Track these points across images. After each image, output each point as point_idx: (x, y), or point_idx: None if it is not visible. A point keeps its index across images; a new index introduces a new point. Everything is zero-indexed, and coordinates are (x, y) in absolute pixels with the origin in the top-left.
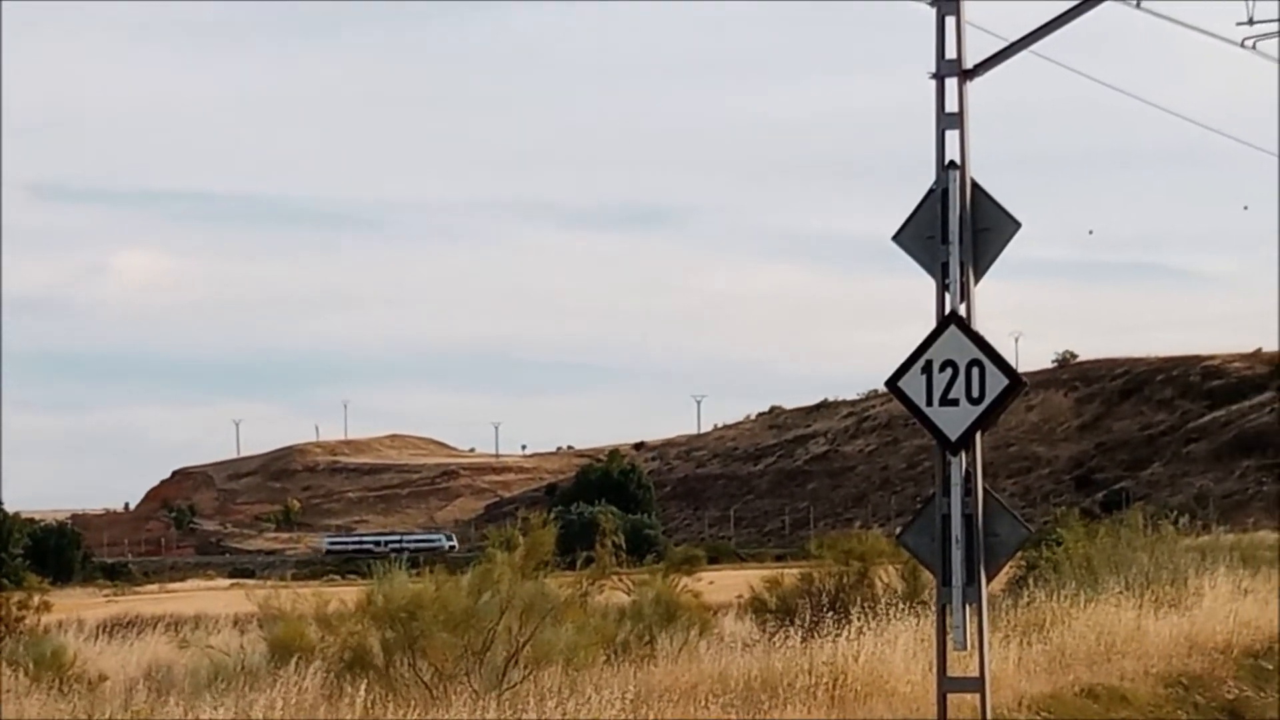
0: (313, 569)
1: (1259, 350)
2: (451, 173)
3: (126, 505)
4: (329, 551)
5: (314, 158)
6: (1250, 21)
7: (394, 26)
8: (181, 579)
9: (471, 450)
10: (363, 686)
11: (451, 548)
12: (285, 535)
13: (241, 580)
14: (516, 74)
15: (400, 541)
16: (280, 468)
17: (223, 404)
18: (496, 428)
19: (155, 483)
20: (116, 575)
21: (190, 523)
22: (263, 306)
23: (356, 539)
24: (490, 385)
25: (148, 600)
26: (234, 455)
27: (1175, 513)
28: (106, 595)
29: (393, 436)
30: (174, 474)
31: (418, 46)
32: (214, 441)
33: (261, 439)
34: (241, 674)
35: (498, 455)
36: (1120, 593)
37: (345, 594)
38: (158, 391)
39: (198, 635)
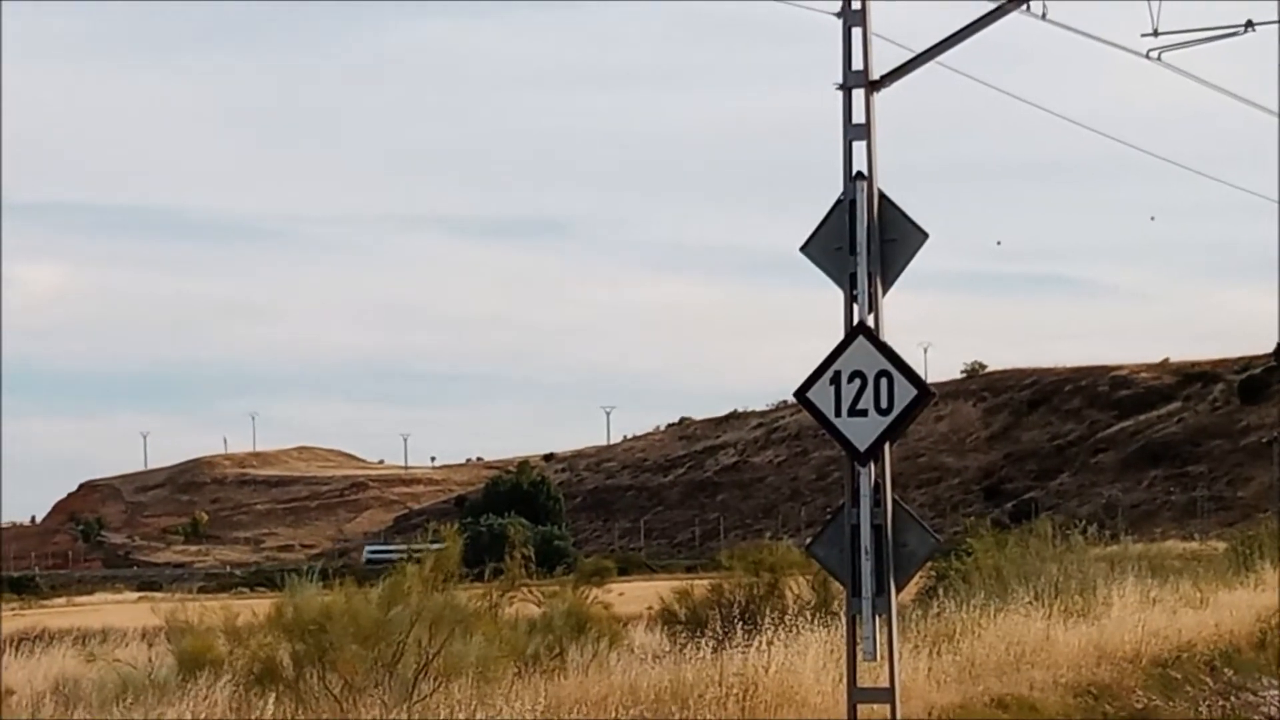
0: (221, 581)
1: (1166, 360)
2: (359, 185)
3: (33, 518)
4: (369, 562)
5: (219, 170)
6: (1155, 33)
7: (290, 40)
8: (89, 592)
9: (380, 462)
10: (272, 699)
11: None
12: (194, 548)
13: (149, 593)
14: (414, 86)
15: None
16: (188, 480)
17: (130, 416)
18: (405, 439)
19: (62, 495)
20: (23, 589)
21: (98, 536)
22: (170, 319)
23: (402, 549)
24: (399, 397)
25: (55, 614)
26: (142, 468)
27: (1084, 523)
28: (13, 609)
29: (301, 449)
30: (81, 487)
31: (315, 59)
32: (121, 454)
33: (169, 451)
34: (150, 687)
35: (406, 467)
36: (1029, 603)
37: (256, 606)
38: (65, 404)
39: (105, 648)
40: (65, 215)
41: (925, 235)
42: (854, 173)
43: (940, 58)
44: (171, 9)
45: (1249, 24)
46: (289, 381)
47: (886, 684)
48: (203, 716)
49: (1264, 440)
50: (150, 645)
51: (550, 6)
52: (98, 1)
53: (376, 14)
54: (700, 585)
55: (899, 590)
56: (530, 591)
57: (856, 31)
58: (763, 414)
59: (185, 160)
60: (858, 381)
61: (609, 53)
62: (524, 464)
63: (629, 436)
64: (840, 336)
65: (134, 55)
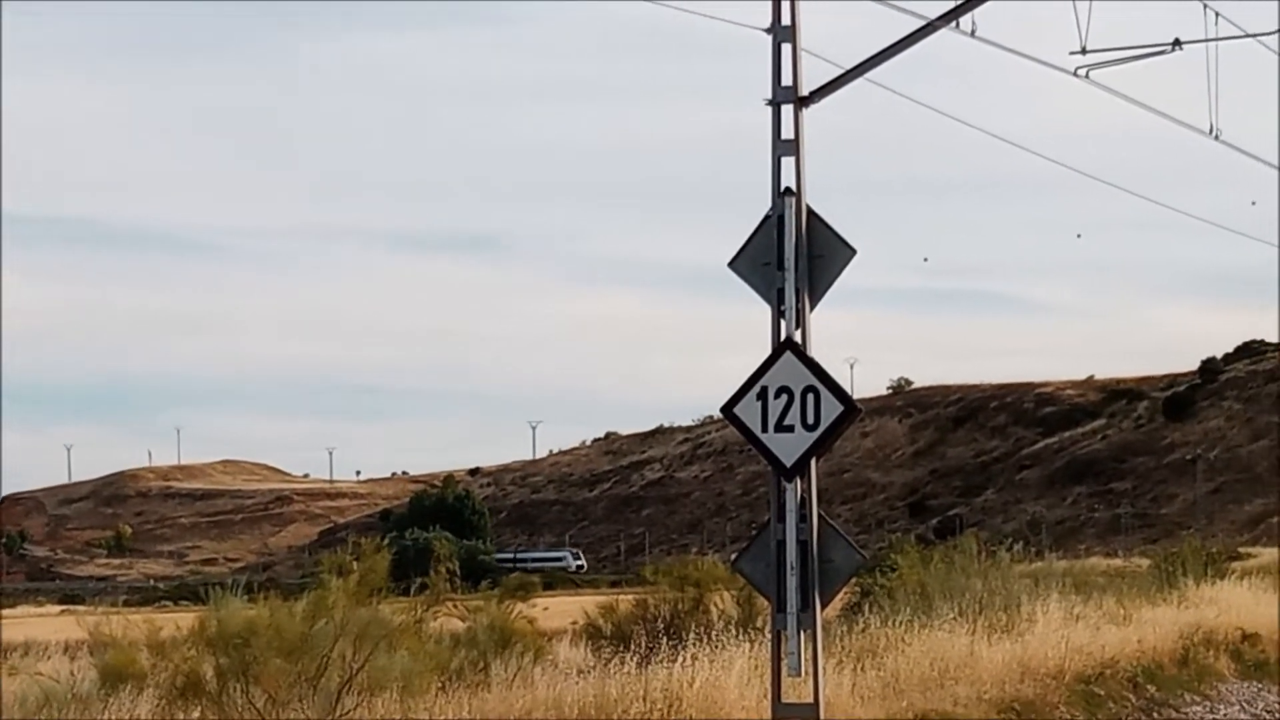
0: (145, 594)
1: (1091, 377)
2: (282, 198)
3: None
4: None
5: (144, 182)
6: (1083, 51)
7: (222, 52)
8: (11, 605)
9: (305, 476)
10: (195, 713)
11: (580, 567)
12: (117, 561)
13: (72, 606)
14: (348, 99)
15: (514, 559)
16: (112, 493)
17: (54, 429)
18: (331, 453)
19: None
20: None
21: (20, 549)
22: (94, 331)
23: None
24: (325, 411)
25: None
26: (66, 481)
27: (1008, 539)
28: None
29: (226, 462)
30: (4, 500)
31: (249, 72)
32: (45, 467)
33: (94, 464)
34: (72, 701)
35: (332, 481)
36: (954, 619)
37: (179, 620)
38: None
39: (27, 662)
40: None
41: (853, 251)
42: (782, 188)
43: (871, 74)
44: (94, 20)
45: (1176, 43)
46: (215, 394)
47: (811, 699)
48: None
49: (1188, 458)
50: (73, 659)
51: (485, 21)
52: (18, 12)
53: (311, 27)
54: (625, 600)
55: (824, 606)
56: (455, 606)
57: (786, 48)
58: (689, 429)
59: (114, 172)
60: (784, 397)
61: (543, 67)
62: (449, 478)
63: (555, 451)
64: (768, 352)
65: (60, 66)
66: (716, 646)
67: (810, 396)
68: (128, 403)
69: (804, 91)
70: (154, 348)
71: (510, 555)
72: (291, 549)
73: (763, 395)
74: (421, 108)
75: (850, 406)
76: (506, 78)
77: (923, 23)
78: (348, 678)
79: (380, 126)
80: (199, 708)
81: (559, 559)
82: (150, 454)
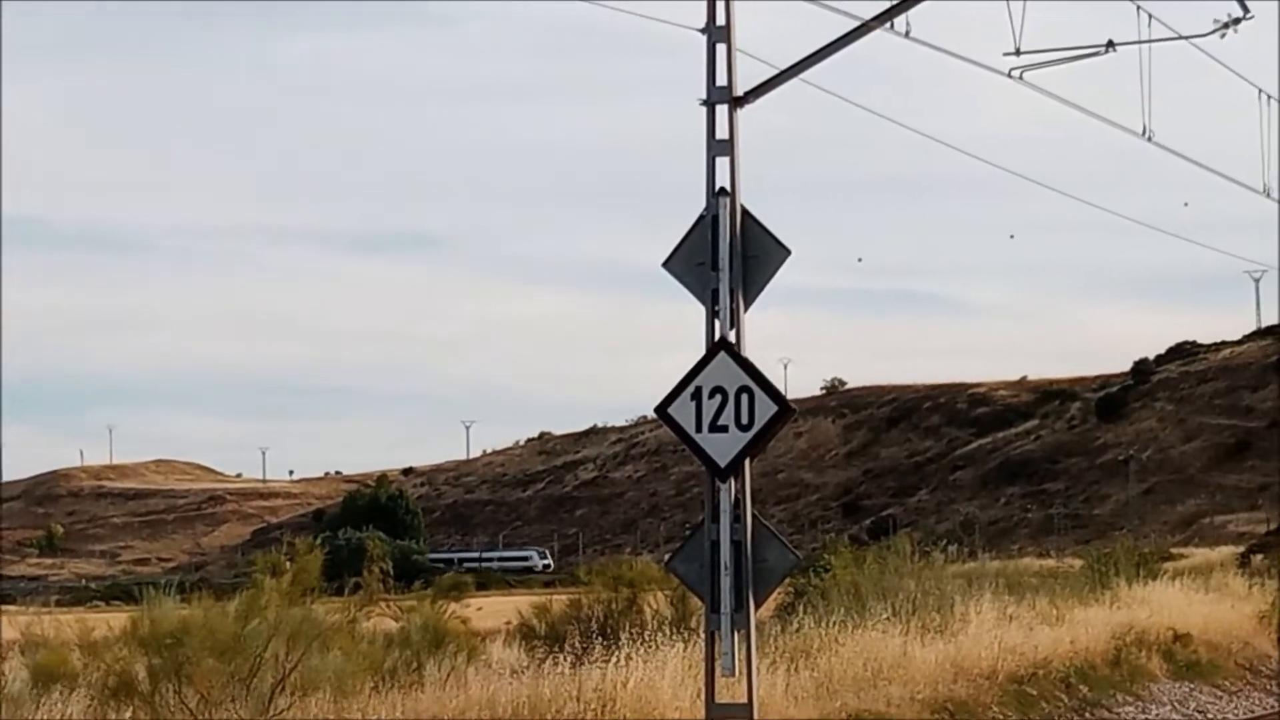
0: (76, 594)
1: (1024, 378)
2: (216, 196)
3: None
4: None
5: (78, 179)
6: (1017, 52)
7: (163, 50)
8: None
9: (238, 475)
10: (128, 713)
11: (546, 566)
12: (49, 561)
13: (3, 606)
14: (280, 98)
15: (479, 558)
16: (44, 493)
17: None
18: (264, 453)
19: None
20: None
21: None
22: (26, 329)
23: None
24: (257, 410)
25: None
26: None
27: (942, 539)
28: None
29: (159, 461)
30: None
31: (184, 70)
32: None
33: (25, 463)
34: (3, 701)
35: (265, 481)
36: (887, 619)
37: (112, 620)
38: None
39: None
40: None
41: (788, 251)
42: (717, 188)
43: (806, 75)
44: (39, 15)
45: (1110, 44)
46: (148, 394)
47: (745, 699)
48: None
49: (1120, 458)
50: (3, 659)
51: (420, 21)
52: None
53: (250, 27)
54: (559, 600)
55: (758, 606)
56: (388, 606)
57: (721, 48)
58: (623, 429)
59: (51, 170)
60: (719, 397)
61: (477, 66)
62: (382, 478)
63: (488, 451)
64: (702, 352)
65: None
66: (650, 647)
67: (744, 397)
68: (59, 402)
69: (739, 92)
70: (85, 347)
71: (475, 554)
72: (224, 549)
73: (697, 395)
74: (356, 108)
75: (784, 407)
76: (441, 77)
77: (858, 23)
78: (281, 678)
79: (314, 126)
80: (131, 708)
81: (525, 558)
82: (82, 453)
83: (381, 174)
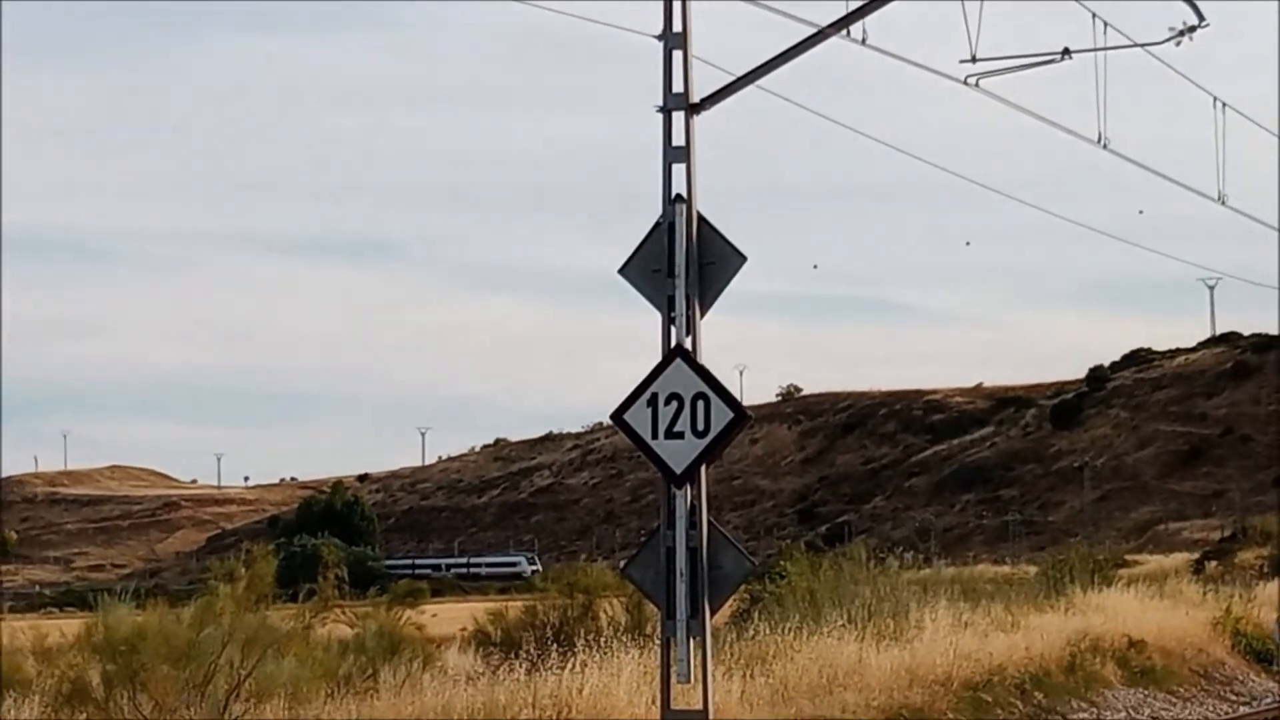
0: (30, 601)
1: (980, 385)
2: (170, 202)
3: None
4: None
5: (31, 186)
6: (973, 59)
7: (120, 55)
8: None
9: (194, 482)
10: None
11: (535, 572)
12: (3, 567)
13: None
14: (233, 103)
15: (467, 565)
16: None
17: None
18: (219, 459)
19: None
20: None
21: None
22: None
23: (406, 563)
24: (212, 417)
25: None
26: None
27: (897, 546)
28: None
29: (113, 468)
30: None
31: (145, 76)
32: None
33: None
34: None
35: (220, 487)
36: (843, 625)
37: (66, 626)
38: None
39: None
40: None
41: (743, 258)
42: (673, 195)
43: (763, 82)
44: None
45: (1066, 52)
46: (103, 400)
47: (700, 706)
48: None
49: (1075, 465)
50: None
51: (380, 27)
52: None
53: (208, 32)
54: (514, 607)
55: (714, 613)
56: (343, 612)
57: (678, 54)
58: (578, 436)
59: (7, 175)
60: (675, 404)
61: (436, 74)
62: (338, 484)
63: (444, 457)
64: (658, 359)
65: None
66: (606, 653)
67: (700, 403)
68: (13, 408)
69: (695, 98)
70: (40, 353)
71: (464, 560)
72: (179, 555)
73: (653, 402)
74: (312, 113)
75: (740, 413)
76: (397, 83)
77: (814, 30)
78: (235, 684)
79: (270, 131)
80: (85, 715)
81: (514, 564)
82: (36, 459)
83: (338, 180)
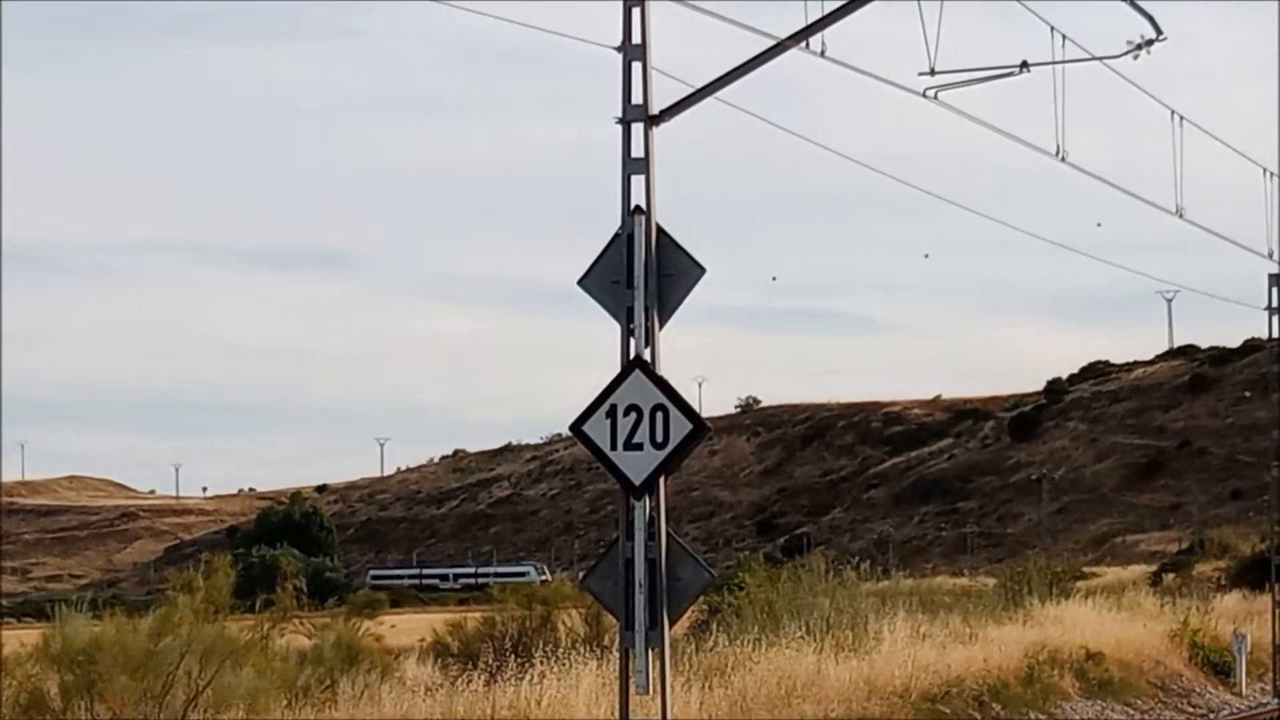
0: None
1: (938, 397)
2: (127, 213)
3: None
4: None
5: None
6: (931, 72)
7: (73, 64)
8: None
9: (151, 492)
10: None
11: (544, 581)
12: None
13: None
14: (185, 113)
15: (475, 574)
16: None
17: None
18: (177, 469)
19: None
20: None
21: None
22: None
23: (414, 572)
24: (170, 427)
25: None
26: None
27: (856, 558)
28: None
29: (71, 478)
30: None
31: (94, 83)
32: None
33: None
34: None
35: (178, 497)
36: (801, 637)
37: (23, 637)
38: None
39: None
40: None
41: (703, 270)
42: (632, 206)
43: (722, 94)
44: None
45: (1024, 65)
46: (60, 410)
47: (658, 717)
48: None
49: (1033, 477)
50: None
51: (333, 37)
52: None
53: (160, 41)
54: (473, 618)
55: (672, 624)
56: (301, 623)
57: (637, 66)
58: (537, 447)
59: None
60: (633, 415)
61: (393, 83)
62: (296, 495)
63: (403, 468)
64: (617, 370)
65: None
66: (564, 664)
67: (659, 415)
68: None
69: (654, 110)
70: None
71: (471, 571)
72: (137, 566)
73: (612, 413)
74: (267, 122)
75: (699, 425)
76: (353, 93)
77: (774, 43)
78: (193, 695)
79: (224, 141)
80: None
81: (523, 573)
82: None
83: (293, 190)
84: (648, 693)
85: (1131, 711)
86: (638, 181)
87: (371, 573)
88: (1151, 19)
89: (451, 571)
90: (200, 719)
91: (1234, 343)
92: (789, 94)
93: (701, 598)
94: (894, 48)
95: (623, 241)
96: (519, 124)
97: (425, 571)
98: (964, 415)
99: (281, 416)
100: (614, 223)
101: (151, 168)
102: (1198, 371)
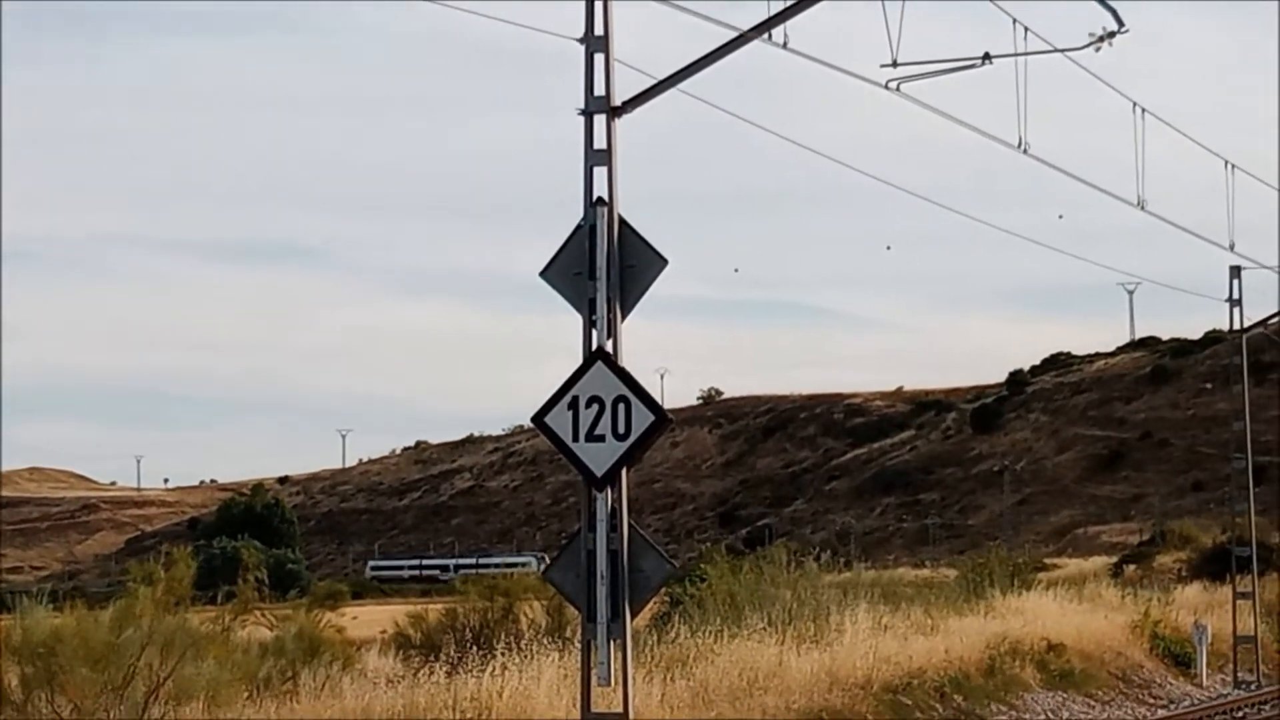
0: None
1: (900, 389)
2: (88, 205)
3: None
4: (373, 578)
5: None
6: (894, 64)
7: (36, 59)
8: None
9: (113, 484)
10: None
11: None
12: None
13: None
14: (153, 107)
15: (476, 564)
16: None
17: None
18: (138, 461)
19: None
20: None
21: None
22: None
23: (414, 563)
24: (131, 418)
25: None
26: None
27: (817, 549)
28: None
29: (32, 469)
30: None
31: (62, 80)
32: None
33: None
34: None
35: (139, 489)
36: (763, 629)
37: None
38: None
39: None
40: None
41: (665, 262)
42: (595, 198)
43: (685, 85)
44: None
45: (986, 56)
46: (21, 402)
47: (620, 709)
48: None
49: (994, 469)
50: None
51: (297, 31)
52: None
53: (124, 36)
54: (434, 610)
55: (634, 615)
56: (263, 615)
57: (599, 57)
58: (499, 439)
59: None
60: (595, 407)
61: (359, 77)
62: (258, 487)
63: (364, 460)
64: (579, 362)
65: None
66: (526, 656)
67: (621, 406)
68: None
69: (617, 101)
70: None
71: (471, 561)
72: (98, 557)
73: (574, 405)
74: (228, 115)
75: (661, 417)
76: (316, 86)
77: (736, 34)
78: (154, 686)
79: (184, 134)
80: (4, 716)
81: (524, 564)
82: None
83: (254, 183)
84: (610, 684)
85: (1092, 703)
86: (600, 173)
87: (371, 564)
88: (1113, 11)
89: (453, 563)
90: (161, 711)
91: (1195, 334)
92: (752, 86)
93: (663, 589)
94: (857, 40)
95: (585, 233)
96: (481, 117)
97: (425, 563)
98: (926, 407)
99: (243, 408)
100: (576, 214)
101: (112, 161)
102: (1159, 363)
